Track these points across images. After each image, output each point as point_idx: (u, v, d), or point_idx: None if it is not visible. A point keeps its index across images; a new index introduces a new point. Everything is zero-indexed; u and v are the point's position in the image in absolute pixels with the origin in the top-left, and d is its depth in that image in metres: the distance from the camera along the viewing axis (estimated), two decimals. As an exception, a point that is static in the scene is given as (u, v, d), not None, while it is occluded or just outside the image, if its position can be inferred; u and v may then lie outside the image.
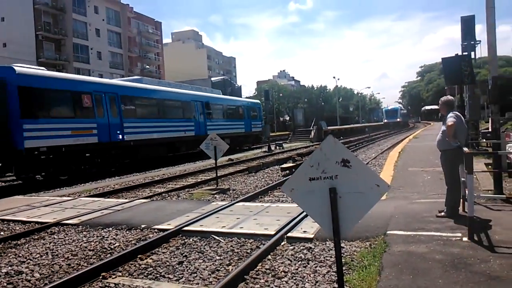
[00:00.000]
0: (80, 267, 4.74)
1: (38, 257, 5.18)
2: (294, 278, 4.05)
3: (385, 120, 72.75)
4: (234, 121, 27.68)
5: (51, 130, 13.85)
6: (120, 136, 16.73)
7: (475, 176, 8.12)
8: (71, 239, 5.96)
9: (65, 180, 14.08)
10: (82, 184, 12.95)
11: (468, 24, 13.91)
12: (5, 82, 12.70)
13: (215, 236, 5.57)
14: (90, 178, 14.32)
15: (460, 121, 5.73)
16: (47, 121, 13.84)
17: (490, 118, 12.29)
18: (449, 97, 6.09)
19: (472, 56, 14.11)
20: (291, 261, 4.51)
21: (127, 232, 6.19)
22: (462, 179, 5.66)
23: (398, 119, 71.81)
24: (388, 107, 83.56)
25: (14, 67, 13.20)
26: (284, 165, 14.61)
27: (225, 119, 26.52)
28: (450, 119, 5.65)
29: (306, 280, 3.97)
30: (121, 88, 17.54)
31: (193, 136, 21.83)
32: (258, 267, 4.37)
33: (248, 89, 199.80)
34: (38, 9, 43.42)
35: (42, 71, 14.88)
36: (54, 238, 6.08)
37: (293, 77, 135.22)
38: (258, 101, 33.45)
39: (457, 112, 5.86)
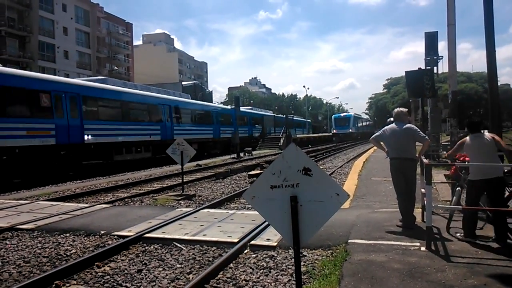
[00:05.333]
0: (32, 274, 4.50)
1: (-13, 264, 4.89)
2: (255, 287, 4.01)
3: (334, 131, 56.56)
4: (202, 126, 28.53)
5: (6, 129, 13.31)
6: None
7: (434, 187, 8.41)
8: (24, 245, 5.68)
9: (23, 182, 13.47)
10: (41, 187, 12.43)
11: (431, 40, 14.45)
12: None
13: (177, 244, 5.46)
14: (50, 181, 13.77)
15: (386, 135, 5.93)
16: (3, 120, 13.24)
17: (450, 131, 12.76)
18: (396, 109, 6.23)
19: (435, 71, 14.64)
20: (253, 269, 4.47)
21: (85, 238, 5.96)
22: (422, 190, 5.83)
23: (350, 130, 55.98)
24: (340, 114, 66.80)
25: None
26: (252, 172, 14.62)
27: (193, 123, 27.17)
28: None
29: (267, 288, 3.94)
30: (83, 89, 17.08)
31: (159, 140, 21.46)
32: (219, 276, 4.30)
33: (219, 95, 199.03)
34: (2, 4, 41.58)
35: None
36: (6, 243, 5.76)
37: (264, 85, 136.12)
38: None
39: (388, 126, 6.04)
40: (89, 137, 16.62)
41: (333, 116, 62.77)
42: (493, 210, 4.98)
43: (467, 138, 5.33)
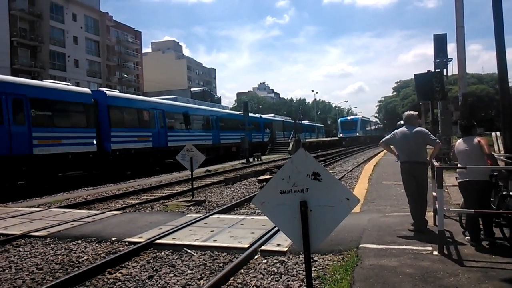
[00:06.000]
0: (45, 281, 4.55)
1: (0, 271, 4.95)
2: (265, 292, 4.00)
3: (341, 135, 54.60)
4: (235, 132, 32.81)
5: (127, 137, 18.89)
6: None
7: (446, 190, 8.32)
8: (37, 252, 5.74)
9: (36, 190, 13.65)
10: (53, 195, 12.57)
11: (440, 42, 14.35)
12: (91, 102, 17.20)
13: (187, 250, 5.47)
14: (62, 188, 13.93)
15: (396, 138, 5.91)
16: (125, 130, 18.74)
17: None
18: (407, 112, 6.21)
19: (444, 73, 14.52)
20: (263, 275, 4.46)
21: (97, 245, 6.00)
22: (434, 193, 5.78)
23: (357, 134, 54.02)
24: (346, 117, 63.17)
25: (105, 91, 18.60)
26: (261, 177, 14.61)
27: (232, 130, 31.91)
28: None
29: (278, 294, 3.93)
30: (166, 106, 23.14)
31: (211, 144, 27.85)
32: (230, 282, 4.30)
33: (228, 101, 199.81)
34: (14, 15, 42.37)
35: (121, 94, 21.69)
36: (20, 251, 5.84)
37: (272, 90, 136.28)
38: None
39: (398, 129, 6.02)
40: (171, 142, 22.11)
41: (339, 120, 60.48)
42: (506, 213, 4.93)
43: (458, 140, 5.54)
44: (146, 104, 21.21)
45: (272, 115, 50.34)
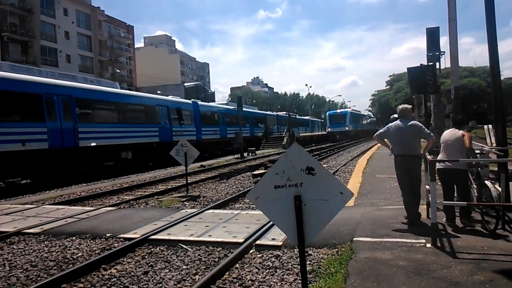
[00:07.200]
0: (39, 278, 4.54)
1: (-6, 268, 4.93)
2: (261, 286, 4.02)
3: (329, 129, 52.11)
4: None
5: (208, 131, 28.79)
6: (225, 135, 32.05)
7: (439, 183, 8.38)
8: (31, 249, 5.72)
9: (29, 187, 13.58)
10: (47, 191, 12.49)
11: (433, 35, 14.33)
12: (192, 109, 26.76)
13: (182, 245, 5.48)
14: (55, 185, 13.85)
15: (390, 132, 5.96)
16: (208, 126, 28.65)
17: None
18: (401, 106, 6.25)
19: (437, 66, 14.54)
20: (258, 269, 4.48)
21: (91, 241, 5.99)
22: (427, 186, 5.83)
23: (347, 128, 50.71)
24: (336, 110, 61.02)
25: (197, 101, 28.23)
26: (256, 172, 14.62)
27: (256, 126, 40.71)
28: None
29: (273, 288, 3.95)
30: (224, 109, 33.36)
31: (249, 136, 36.83)
32: (225, 276, 4.31)
33: (221, 95, 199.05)
34: (4, 10, 41.75)
35: (205, 103, 31.75)
36: (13, 248, 5.81)
37: (266, 84, 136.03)
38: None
39: (393, 123, 6.06)
40: (229, 134, 31.66)
41: (327, 113, 57.07)
42: (503, 205, 4.99)
43: (446, 130, 6.08)
44: (216, 108, 31.86)
45: (284, 112, 56.27)
